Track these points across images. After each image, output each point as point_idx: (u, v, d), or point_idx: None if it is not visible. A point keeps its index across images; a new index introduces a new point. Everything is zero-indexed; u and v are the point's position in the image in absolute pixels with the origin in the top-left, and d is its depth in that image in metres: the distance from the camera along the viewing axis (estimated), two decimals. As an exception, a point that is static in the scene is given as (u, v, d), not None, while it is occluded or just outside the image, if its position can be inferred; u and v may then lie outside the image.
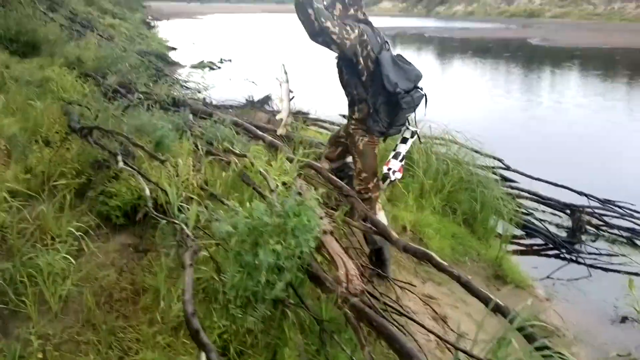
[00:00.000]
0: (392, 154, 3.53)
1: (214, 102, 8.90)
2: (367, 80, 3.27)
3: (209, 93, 9.94)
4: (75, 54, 6.97)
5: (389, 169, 3.48)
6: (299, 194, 2.46)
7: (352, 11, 3.29)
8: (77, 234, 2.52)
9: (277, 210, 2.31)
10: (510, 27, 48.30)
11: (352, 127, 3.41)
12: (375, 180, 3.43)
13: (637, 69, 19.61)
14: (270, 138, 4.39)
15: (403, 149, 3.52)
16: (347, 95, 3.43)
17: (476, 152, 5.10)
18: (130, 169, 2.60)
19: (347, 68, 3.31)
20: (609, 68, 19.65)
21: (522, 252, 4.89)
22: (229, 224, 2.21)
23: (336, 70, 3.45)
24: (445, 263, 2.54)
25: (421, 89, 3.39)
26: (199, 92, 10.72)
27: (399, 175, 3.49)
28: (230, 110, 8.77)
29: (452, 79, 15.37)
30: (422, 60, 21.28)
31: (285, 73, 3.47)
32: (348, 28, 3.08)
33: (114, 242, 2.79)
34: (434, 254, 2.59)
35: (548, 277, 4.50)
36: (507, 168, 5.68)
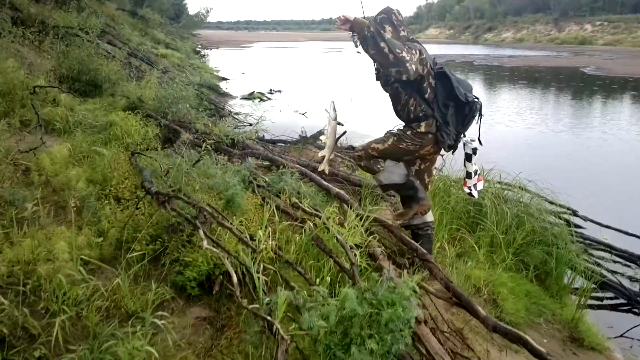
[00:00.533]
0: (464, 173, 3.72)
1: (268, 137, 8.79)
2: (430, 96, 3.41)
3: (263, 127, 9.87)
4: (136, 94, 6.99)
5: (469, 188, 3.70)
6: (391, 279, 2.24)
7: (402, 32, 3.39)
8: (154, 313, 2.35)
9: (369, 298, 2.10)
10: (561, 54, 46.81)
11: (407, 135, 3.51)
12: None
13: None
14: (336, 190, 4.19)
15: (472, 167, 3.68)
16: (405, 115, 3.56)
17: (550, 202, 4.77)
18: (212, 247, 2.41)
19: (407, 89, 3.42)
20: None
21: (595, 308, 4.52)
22: (320, 315, 2.00)
23: (387, 93, 3.64)
24: (542, 349, 2.27)
25: (477, 98, 3.57)
26: (251, 124, 10.76)
27: (480, 186, 3.78)
28: (284, 145, 8.70)
29: (508, 111, 14.68)
30: (481, 90, 20.82)
31: (335, 110, 3.43)
32: (413, 51, 3.16)
33: (189, 315, 2.61)
34: (529, 338, 2.34)
35: (623, 335, 4.13)
36: (583, 218, 5.30)
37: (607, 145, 10.79)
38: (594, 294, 4.67)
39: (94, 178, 3.82)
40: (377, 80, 3.70)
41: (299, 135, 9.24)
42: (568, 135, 11.74)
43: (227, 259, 2.42)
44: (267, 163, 5.74)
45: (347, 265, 2.64)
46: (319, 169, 3.94)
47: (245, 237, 2.70)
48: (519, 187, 4.90)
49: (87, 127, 5.22)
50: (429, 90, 3.41)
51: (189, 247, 2.81)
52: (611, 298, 4.62)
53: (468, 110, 3.51)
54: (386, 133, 3.68)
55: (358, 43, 3.22)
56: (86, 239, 2.76)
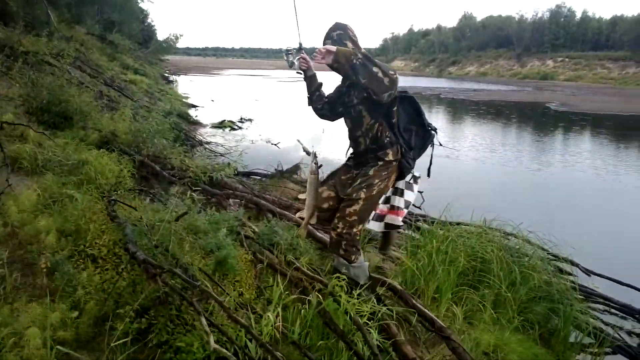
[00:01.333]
0: (403, 203, 3.53)
1: (242, 169, 8.38)
2: (396, 121, 3.22)
3: (236, 158, 9.41)
4: (109, 127, 6.53)
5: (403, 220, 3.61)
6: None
7: (363, 49, 3.08)
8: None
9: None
10: (525, 89, 47.90)
11: (375, 170, 3.19)
12: (361, 227, 3.23)
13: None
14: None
15: (412, 197, 3.58)
16: (368, 142, 3.23)
17: (555, 257, 4.53)
18: (217, 346, 2.02)
19: (374, 113, 3.14)
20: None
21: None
22: None
23: (349, 118, 3.29)
24: None
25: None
26: (223, 155, 10.35)
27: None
28: (260, 179, 8.32)
29: (481, 147, 14.62)
30: (451, 124, 20.73)
31: (316, 162, 3.10)
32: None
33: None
34: None
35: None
36: (584, 271, 5.08)
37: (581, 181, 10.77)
38: (592, 350, 4.43)
39: (66, 228, 3.37)
40: (314, 104, 3.43)
41: (275, 169, 8.89)
42: (545, 172, 11.67)
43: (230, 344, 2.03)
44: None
45: (365, 352, 2.28)
46: (296, 234, 3.61)
47: (247, 318, 2.31)
48: (522, 238, 4.59)
49: (58, 166, 4.74)
50: (394, 115, 3.21)
51: (178, 323, 2.40)
52: (609, 354, 4.38)
53: (428, 136, 3.44)
54: (346, 187, 3.27)
55: (295, 64, 3.18)
56: (60, 314, 2.32)
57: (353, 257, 3.18)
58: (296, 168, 9.05)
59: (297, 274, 3.18)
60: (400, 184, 3.50)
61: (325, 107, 3.41)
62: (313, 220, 3.21)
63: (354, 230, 3.13)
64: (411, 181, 3.55)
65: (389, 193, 3.58)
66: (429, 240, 3.97)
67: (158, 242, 2.85)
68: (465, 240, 4.03)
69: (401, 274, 3.68)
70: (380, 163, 3.19)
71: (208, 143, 11.57)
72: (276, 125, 16.22)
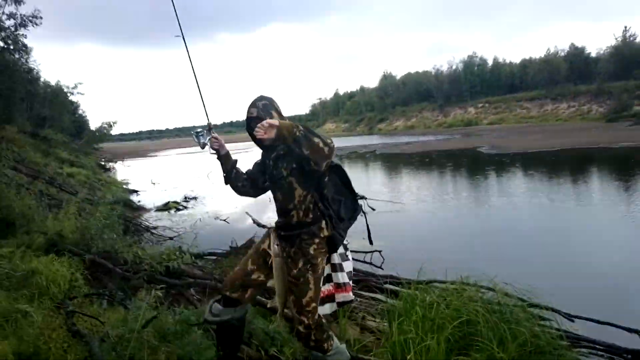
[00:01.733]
0: (346, 277, 3.24)
1: (197, 252, 8.11)
2: (328, 192, 3.07)
3: (188, 240, 9.08)
4: (54, 228, 6.21)
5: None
6: None
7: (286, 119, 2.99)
8: None
9: None
10: (454, 136, 49.88)
11: (315, 248, 2.98)
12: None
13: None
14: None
15: (350, 266, 3.32)
16: (301, 216, 3.00)
17: (534, 306, 4.48)
18: None
19: (306, 184, 2.97)
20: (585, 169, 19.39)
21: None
22: None
23: (280, 191, 3.04)
24: None
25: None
26: (172, 238, 10.05)
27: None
28: (215, 258, 8.08)
29: (433, 197, 14.71)
30: (393, 178, 20.97)
31: (278, 244, 2.88)
32: None
33: None
34: None
35: None
36: (568, 318, 5.01)
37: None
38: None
39: (23, 351, 3.08)
40: (233, 183, 3.22)
41: (230, 247, 8.68)
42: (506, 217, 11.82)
43: None
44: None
45: None
46: (276, 325, 3.45)
47: None
48: (500, 291, 4.43)
49: (5, 279, 4.41)
50: (327, 185, 3.07)
51: None
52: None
53: (356, 206, 3.33)
54: (294, 269, 2.97)
55: (207, 144, 3.15)
56: None
57: (326, 345, 3.04)
58: (251, 242, 8.86)
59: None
60: (336, 258, 3.23)
61: (246, 183, 3.24)
62: (289, 305, 3.01)
63: (316, 317, 2.97)
64: (345, 251, 3.31)
65: (327, 271, 3.27)
66: (409, 306, 3.86)
67: (129, 356, 2.65)
68: (448, 301, 3.92)
69: (389, 350, 3.53)
70: (316, 240, 2.99)
71: (155, 228, 11.26)
72: (221, 200, 15.96)
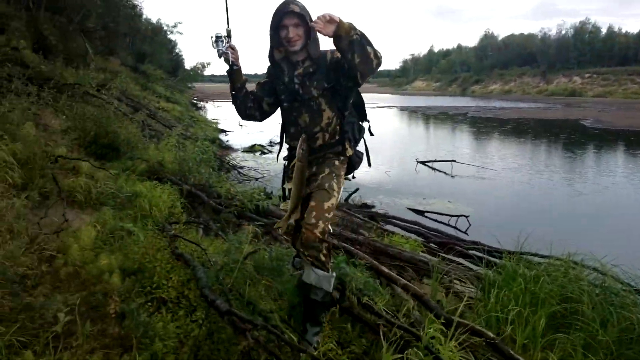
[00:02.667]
0: None
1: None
2: (349, 113, 2.87)
3: (273, 183, 9.16)
4: (156, 157, 6.41)
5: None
6: None
7: None
8: None
9: None
10: (555, 106, 46.44)
11: (339, 162, 2.79)
12: None
13: None
14: (404, 282, 3.54)
15: None
16: (327, 138, 2.79)
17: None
18: None
19: (333, 104, 2.76)
20: None
21: None
22: None
23: (308, 112, 2.74)
24: None
25: None
26: (257, 179, 10.20)
27: None
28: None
29: (529, 167, 13.78)
30: (485, 144, 19.99)
31: (304, 148, 2.54)
32: None
33: None
34: None
35: None
36: None
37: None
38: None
39: (128, 267, 3.17)
40: (242, 103, 2.88)
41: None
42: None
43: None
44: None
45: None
46: (275, 226, 3.15)
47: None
48: (607, 274, 4.03)
49: (111, 199, 4.59)
50: (350, 106, 2.84)
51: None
52: None
53: (362, 129, 3.00)
54: (317, 176, 2.74)
55: (227, 54, 2.69)
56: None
57: (328, 264, 2.65)
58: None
59: (373, 318, 2.90)
60: None
61: (254, 105, 2.90)
62: (296, 215, 2.70)
63: (330, 228, 2.63)
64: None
65: None
66: (509, 277, 3.60)
67: (230, 284, 2.62)
68: (553, 277, 3.62)
69: (484, 318, 3.31)
70: (341, 158, 2.82)
71: (242, 168, 11.44)
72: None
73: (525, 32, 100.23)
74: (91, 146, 6.29)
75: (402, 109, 42.51)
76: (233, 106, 2.90)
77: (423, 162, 13.54)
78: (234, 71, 2.76)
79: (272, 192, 7.41)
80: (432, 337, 2.34)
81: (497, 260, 4.36)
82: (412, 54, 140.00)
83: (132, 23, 25.66)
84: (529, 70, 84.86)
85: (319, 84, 2.66)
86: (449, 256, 5.06)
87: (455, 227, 7.67)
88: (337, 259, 3.36)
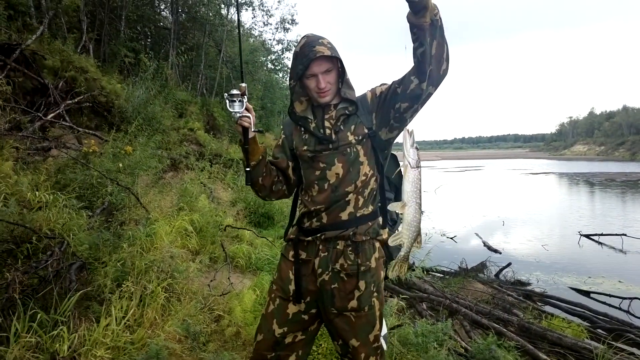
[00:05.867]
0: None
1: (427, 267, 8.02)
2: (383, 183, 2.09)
3: (417, 254, 9.04)
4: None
5: None
6: None
7: None
8: None
9: None
10: None
11: (376, 257, 1.98)
12: None
13: None
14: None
15: None
16: (361, 204, 1.98)
17: None
18: None
19: (372, 158, 2.02)
20: None
21: None
22: None
23: (342, 162, 1.98)
24: None
25: None
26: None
27: None
28: (445, 277, 7.89)
29: None
30: None
31: (414, 147, 1.82)
32: None
33: None
34: None
35: None
36: None
37: None
38: None
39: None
40: (263, 181, 2.09)
41: (459, 267, 8.41)
42: None
43: None
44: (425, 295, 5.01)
45: None
46: (388, 273, 1.98)
47: None
48: None
49: (267, 264, 5.00)
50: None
51: None
52: None
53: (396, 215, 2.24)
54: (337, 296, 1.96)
55: (241, 112, 1.95)
56: None
57: None
58: (482, 266, 8.50)
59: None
60: None
61: (280, 177, 2.15)
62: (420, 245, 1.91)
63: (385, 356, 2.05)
64: None
65: None
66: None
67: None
68: None
69: None
70: (377, 245, 2.00)
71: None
72: (448, 216, 15.58)
73: None
74: (251, 215, 6.93)
75: (561, 174, 39.19)
76: (250, 186, 2.12)
77: (587, 236, 11.76)
78: (248, 140, 2.01)
79: (414, 263, 7.34)
80: None
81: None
82: (570, 117, 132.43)
83: (286, 101, 28.03)
84: None
85: (357, 129, 1.99)
86: (619, 344, 4.54)
87: (627, 312, 6.74)
88: (487, 340, 3.26)
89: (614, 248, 10.91)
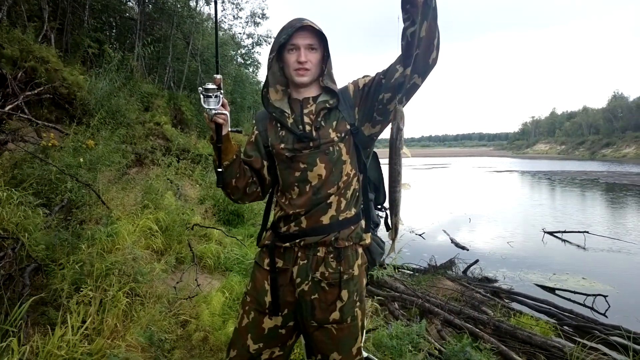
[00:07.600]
0: None
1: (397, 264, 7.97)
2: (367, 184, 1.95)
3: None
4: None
5: None
6: None
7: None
8: None
9: None
10: None
11: (359, 264, 1.83)
12: None
13: None
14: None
15: None
16: (344, 206, 1.80)
17: None
18: None
19: (354, 157, 1.85)
20: None
21: None
22: None
23: (324, 162, 1.80)
24: None
25: None
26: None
27: None
28: (412, 274, 7.85)
29: None
30: (622, 215, 16.20)
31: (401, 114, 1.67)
32: None
33: None
34: None
35: None
36: None
37: None
38: None
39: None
40: (237, 181, 1.86)
41: (428, 264, 8.39)
42: None
43: None
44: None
45: None
46: (390, 253, 1.95)
47: None
48: None
49: (236, 264, 4.83)
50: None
51: None
52: None
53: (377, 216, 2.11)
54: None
55: (219, 114, 1.73)
56: None
57: None
58: (451, 263, 8.50)
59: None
60: None
61: (254, 177, 1.93)
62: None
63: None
64: None
65: None
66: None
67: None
68: None
69: None
70: (359, 250, 1.85)
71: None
72: (416, 213, 15.60)
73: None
74: (220, 213, 6.71)
75: (524, 172, 39.95)
76: (222, 188, 1.92)
77: (551, 233, 12.06)
78: (221, 138, 1.79)
79: (384, 261, 7.26)
80: None
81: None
82: (533, 117, 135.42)
83: (256, 97, 27.69)
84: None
85: (339, 125, 1.81)
86: (590, 343, 4.53)
87: (591, 308, 6.76)
88: (462, 342, 3.17)
89: (577, 245, 11.13)
